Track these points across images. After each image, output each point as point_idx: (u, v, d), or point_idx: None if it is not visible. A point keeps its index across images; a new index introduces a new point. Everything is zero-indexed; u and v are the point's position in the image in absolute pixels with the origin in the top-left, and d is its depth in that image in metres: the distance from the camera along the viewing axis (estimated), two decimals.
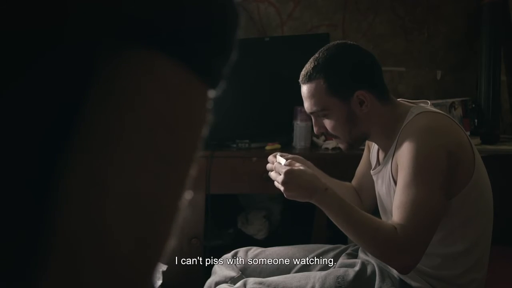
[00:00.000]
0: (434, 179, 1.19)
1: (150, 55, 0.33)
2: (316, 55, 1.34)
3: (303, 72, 1.34)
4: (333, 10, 2.47)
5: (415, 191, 1.17)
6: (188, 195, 0.35)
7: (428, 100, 1.43)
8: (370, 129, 1.35)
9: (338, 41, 1.39)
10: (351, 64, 1.32)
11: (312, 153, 2.05)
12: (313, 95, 1.32)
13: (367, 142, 1.56)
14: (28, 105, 0.33)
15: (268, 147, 2.04)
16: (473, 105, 2.39)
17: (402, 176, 1.21)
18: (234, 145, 2.04)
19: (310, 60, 1.35)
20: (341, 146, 1.40)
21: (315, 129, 1.39)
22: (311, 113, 1.36)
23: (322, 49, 1.35)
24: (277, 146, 2.05)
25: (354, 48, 1.36)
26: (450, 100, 2.32)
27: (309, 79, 1.32)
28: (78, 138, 0.32)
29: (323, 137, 2.19)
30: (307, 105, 1.35)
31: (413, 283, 1.31)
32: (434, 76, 2.59)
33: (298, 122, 2.08)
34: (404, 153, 1.22)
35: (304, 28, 2.45)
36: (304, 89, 1.34)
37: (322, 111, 1.33)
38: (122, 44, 0.33)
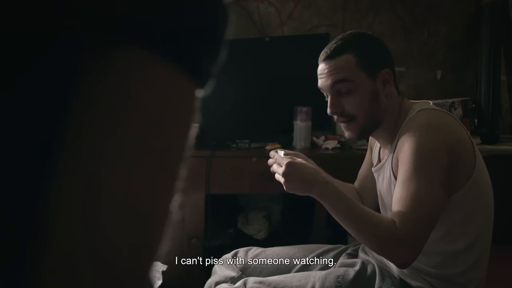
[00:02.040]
0: (435, 174, 1.19)
1: (143, 54, 0.33)
2: (340, 36, 1.34)
3: (326, 50, 1.31)
4: (333, 10, 2.47)
5: (415, 185, 1.17)
6: (179, 196, 0.35)
7: (428, 100, 1.43)
8: (384, 115, 1.33)
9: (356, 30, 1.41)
10: (379, 45, 1.36)
11: (312, 153, 2.05)
12: (341, 67, 1.30)
13: (370, 142, 1.56)
14: (25, 106, 0.33)
15: (268, 147, 2.04)
16: (473, 105, 2.39)
17: (403, 171, 1.21)
18: (234, 145, 2.04)
19: (334, 40, 1.33)
20: (351, 133, 1.36)
21: (329, 110, 1.33)
22: (334, 84, 1.31)
23: (344, 33, 1.36)
24: (277, 146, 2.05)
25: (375, 36, 1.40)
26: (450, 100, 2.32)
27: (337, 53, 1.30)
28: (71, 138, 0.32)
29: (323, 137, 2.19)
30: (331, 78, 1.30)
31: (413, 283, 1.31)
32: (434, 76, 2.59)
33: (298, 122, 2.08)
34: (405, 148, 1.22)
35: (304, 28, 2.45)
36: (329, 64, 1.30)
37: (348, 83, 1.30)
38: (114, 43, 0.33)
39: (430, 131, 1.22)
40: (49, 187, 0.32)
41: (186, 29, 0.34)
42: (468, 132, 1.32)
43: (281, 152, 1.30)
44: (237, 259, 1.52)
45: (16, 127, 0.33)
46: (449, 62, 2.59)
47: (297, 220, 2.21)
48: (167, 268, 1.82)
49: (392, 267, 1.36)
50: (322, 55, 1.33)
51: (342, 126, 1.37)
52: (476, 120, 2.38)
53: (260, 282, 1.33)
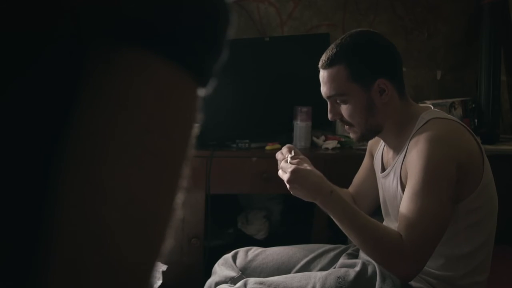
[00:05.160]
0: (443, 190, 1.18)
1: (143, 54, 0.33)
2: (338, 41, 1.32)
3: (323, 57, 1.32)
4: (333, 10, 2.46)
5: (423, 200, 1.17)
6: (182, 195, 0.35)
7: (428, 100, 1.43)
8: (385, 121, 1.33)
9: (361, 29, 1.38)
10: (375, 52, 1.32)
11: (312, 153, 2.05)
12: (333, 80, 1.30)
13: (369, 147, 1.56)
14: (26, 106, 0.33)
15: (268, 147, 2.04)
16: (473, 105, 2.39)
17: (411, 185, 1.21)
18: (234, 145, 2.04)
19: (331, 46, 1.33)
20: (353, 136, 1.38)
21: (329, 116, 1.36)
22: (329, 97, 1.34)
23: (345, 35, 1.34)
24: (277, 146, 2.05)
25: (379, 37, 1.35)
26: (450, 100, 2.32)
27: (330, 64, 1.30)
28: (73, 139, 0.32)
29: (323, 137, 2.19)
30: (325, 89, 1.33)
31: (414, 284, 1.31)
32: (434, 76, 2.59)
33: (298, 122, 2.08)
34: (414, 161, 1.22)
35: (304, 28, 2.44)
36: (324, 74, 1.32)
37: (341, 96, 1.31)
38: (115, 44, 0.32)
39: (440, 146, 1.21)
40: (52, 189, 0.32)
41: (186, 29, 0.34)
42: (478, 139, 1.31)
43: (289, 155, 1.30)
44: (237, 259, 1.52)
45: (18, 129, 0.33)
46: (449, 62, 2.58)
47: (297, 220, 2.21)
48: (167, 268, 1.82)
49: None
50: (320, 61, 1.33)
51: (346, 128, 1.39)
52: (476, 120, 2.38)
53: (261, 283, 1.33)
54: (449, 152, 1.21)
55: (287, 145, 1.38)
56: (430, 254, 1.19)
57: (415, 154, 1.22)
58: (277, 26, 2.43)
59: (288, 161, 1.28)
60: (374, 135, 1.39)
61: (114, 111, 0.32)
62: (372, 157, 1.54)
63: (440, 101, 2.29)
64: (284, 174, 1.24)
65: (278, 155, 1.34)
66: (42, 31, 0.32)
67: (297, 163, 1.26)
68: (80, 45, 0.33)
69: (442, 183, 1.19)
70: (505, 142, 2.32)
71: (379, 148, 1.48)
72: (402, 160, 1.31)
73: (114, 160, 0.32)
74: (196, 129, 0.36)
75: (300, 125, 2.08)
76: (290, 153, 1.33)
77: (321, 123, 2.18)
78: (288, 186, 1.23)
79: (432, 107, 1.39)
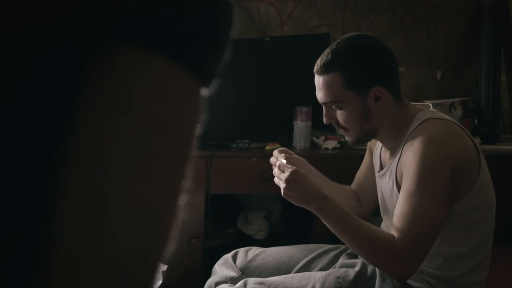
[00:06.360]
0: (438, 191, 1.19)
1: (145, 54, 0.33)
2: (334, 46, 1.31)
3: (319, 63, 1.31)
4: (333, 10, 2.46)
5: (418, 201, 1.17)
6: (185, 197, 0.35)
7: (428, 100, 1.43)
8: (381, 126, 1.33)
9: (357, 33, 1.36)
10: (370, 59, 1.30)
11: (312, 153, 2.05)
12: (328, 87, 1.29)
13: (368, 145, 1.56)
14: (28, 107, 0.33)
15: (268, 147, 2.04)
16: (473, 105, 2.39)
17: (406, 186, 1.21)
18: (234, 145, 2.04)
19: (327, 51, 1.31)
20: (349, 139, 1.38)
21: (324, 120, 1.36)
22: (324, 103, 1.34)
23: (340, 40, 1.32)
24: (277, 146, 2.05)
25: (374, 42, 1.34)
26: (450, 100, 2.32)
27: (325, 71, 1.29)
28: (75, 140, 0.32)
29: (323, 137, 2.19)
30: (320, 95, 1.33)
31: (413, 283, 1.31)
32: (434, 76, 2.59)
33: (298, 122, 2.08)
34: (409, 162, 1.22)
35: (304, 28, 2.44)
36: (319, 80, 1.31)
37: (336, 103, 1.31)
38: (116, 44, 0.32)
39: (435, 146, 1.21)
40: (54, 189, 0.32)
41: (187, 28, 0.34)
42: (475, 138, 1.31)
43: (284, 161, 1.29)
44: (237, 259, 1.52)
45: (21, 130, 0.33)
46: (449, 62, 2.58)
47: (297, 220, 2.21)
48: (167, 268, 1.82)
49: None
50: (315, 65, 1.32)
51: (341, 131, 1.39)
52: (476, 120, 2.38)
53: (261, 283, 1.33)
54: (444, 153, 1.21)
55: (279, 148, 1.38)
56: (424, 255, 1.19)
57: (410, 155, 1.23)
58: (277, 26, 2.43)
59: (285, 162, 1.27)
60: (369, 139, 1.40)
61: (115, 111, 0.32)
62: (372, 154, 1.54)
63: (440, 101, 2.29)
64: (281, 174, 1.24)
65: (272, 159, 1.35)
66: (42, 31, 0.32)
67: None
68: (81, 45, 0.33)
69: (436, 184, 1.19)
70: (505, 142, 2.32)
71: (377, 146, 1.49)
72: (397, 161, 1.31)
73: (116, 160, 0.32)
74: (198, 129, 0.36)
75: (300, 125, 2.08)
76: (282, 155, 1.33)
77: (321, 123, 2.17)
78: (284, 185, 1.22)
79: (431, 105, 1.39)
